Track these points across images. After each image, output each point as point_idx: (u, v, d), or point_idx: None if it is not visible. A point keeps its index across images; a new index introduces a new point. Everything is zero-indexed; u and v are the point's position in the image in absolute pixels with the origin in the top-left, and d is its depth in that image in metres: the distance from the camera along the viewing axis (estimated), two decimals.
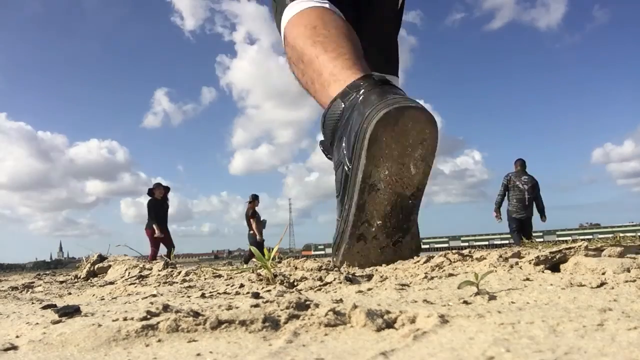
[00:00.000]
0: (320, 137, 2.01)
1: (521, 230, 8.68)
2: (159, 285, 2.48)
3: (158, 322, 1.04)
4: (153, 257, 10.31)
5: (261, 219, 12.15)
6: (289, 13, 2.05)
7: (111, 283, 3.11)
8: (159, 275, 3.17)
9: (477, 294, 1.39)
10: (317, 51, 1.71)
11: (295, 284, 2.17)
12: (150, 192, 10.56)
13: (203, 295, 1.86)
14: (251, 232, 10.89)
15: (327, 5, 1.95)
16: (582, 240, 2.41)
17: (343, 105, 1.62)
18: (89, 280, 3.89)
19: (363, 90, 1.55)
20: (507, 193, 8.66)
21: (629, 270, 1.58)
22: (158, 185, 10.72)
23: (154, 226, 10.33)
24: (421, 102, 1.65)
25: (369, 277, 2.32)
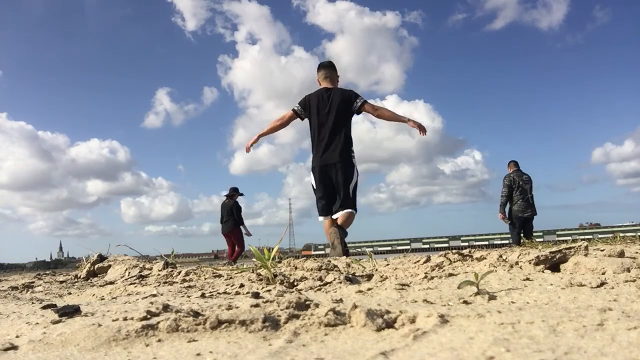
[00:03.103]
0: None
1: (523, 228, 8.71)
2: (159, 285, 2.48)
3: (158, 322, 1.04)
4: (238, 255, 10.29)
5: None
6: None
7: (111, 283, 3.11)
8: (159, 275, 3.17)
9: (477, 294, 1.39)
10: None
11: (295, 283, 2.18)
12: (231, 196, 10.71)
13: (203, 295, 1.86)
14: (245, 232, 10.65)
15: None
16: (582, 240, 2.41)
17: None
18: (89, 280, 3.89)
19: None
20: (511, 194, 8.70)
21: (629, 270, 1.58)
22: (236, 190, 10.92)
23: (242, 227, 10.44)
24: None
25: (369, 277, 2.33)
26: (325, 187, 4.51)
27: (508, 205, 8.94)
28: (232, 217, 10.44)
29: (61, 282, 3.72)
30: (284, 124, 4.84)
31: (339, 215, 4.42)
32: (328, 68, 4.76)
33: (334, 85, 4.72)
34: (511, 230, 9.01)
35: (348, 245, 4.38)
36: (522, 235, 8.73)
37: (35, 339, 1.03)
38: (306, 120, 4.80)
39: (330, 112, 4.48)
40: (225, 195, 10.90)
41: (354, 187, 4.52)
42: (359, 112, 4.58)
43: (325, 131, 4.47)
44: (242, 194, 11.09)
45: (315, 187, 4.60)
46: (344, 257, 3.68)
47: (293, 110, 4.72)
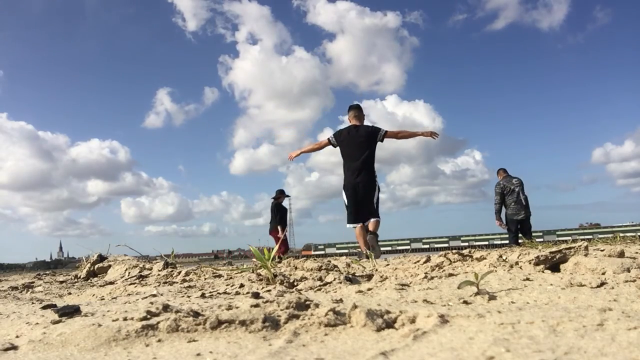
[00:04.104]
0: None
1: (520, 230, 8.81)
2: (159, 285, 2.49)
3: (158, 322, 1.04)
4: (278, 254, 10.28)
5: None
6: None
7: (111, 283, 3.12)
8: (159, 275, 3.17)
9: (477, 294, 1.39)
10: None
11: (295, 284, 2.18)
12: (277, 198, 10.81)
13: (203, 295, 1.86)
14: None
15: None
16: (582, 240, 2.41)
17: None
18: (89, 280, 3.89)
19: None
20: (503, 200, 8.85)
21: (629, 270, 1.58)
22: (282, 192, 10.97)
23: (279, 227, 10.47)
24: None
25: (369, 277, 2.33)
26: (355, 202, 5.64)
27: (504, 210, 9.07)
28: (275, 218, 10.57)
29: (61, 282, 3.72)
30: (319, 148, 6.18)
31: (370, 222, 5.55)
32: (357, 109, 5.93)
33: (360, 122, 5.85)
34: (509, 233, 9.10)
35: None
36: (520, 236, 8.79)
37: (35, 339, 1.03)
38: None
39: (358, 144, 5.65)
40: (272, 198, 10.96)
41: (377, 200, 5.68)
42: (382, 140, 5.74)
43: (354, 159, 5.65)
44: (288, 196, 11.06)
45: (347, 202, 5.73)
46: (344, 257, 4.33)
47: (328, 139, 5.90)
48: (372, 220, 5.53)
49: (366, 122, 5.91)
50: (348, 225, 5.73)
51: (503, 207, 8.98)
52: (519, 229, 8.91)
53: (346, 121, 6.02)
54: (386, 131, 5.67)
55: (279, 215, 10.63)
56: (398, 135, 5.81)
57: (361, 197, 5.57)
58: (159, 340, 0.96)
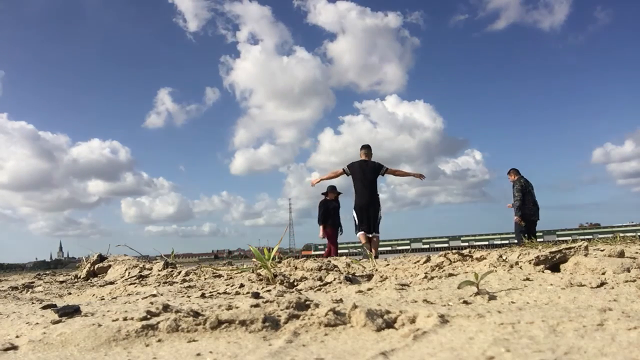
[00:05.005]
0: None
1: (528, 230, 8.89)
2: (159, 285, 2.49)
3: (158, 322, 1.04)
4: (329, 253, 10.10)
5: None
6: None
7: (111, 283, 3.12)
8: (159, 275, 3.17)
9: (477, 294, 1.39)
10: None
11: (295, 284, 2.18)
12: (325, 194, 10.70)
13: (203, 295, 1.86)
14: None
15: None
16: (582, 240, 2.41)
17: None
18: (89, 280, 3.89)
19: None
20: (524, 197, 8.88)
21: (629, 270, 1.58)
22: (333, 188, 10.81)
23: (321, 226, 10.28)
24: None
25: (369, 277, 2.33)
26: (363, 218, 7.40)
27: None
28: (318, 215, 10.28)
29: (61, 282, 3.72)
30: (335, 176, 7.82)
31: (373, 242, 7.29)
32: (367, 148, 7.69)
33: (369, 158, 7.61)
34: (517, 233, 9.15)
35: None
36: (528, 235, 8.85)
37: (35, 339, 1.03)
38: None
39: (366, 175, 7.46)
40: (323, 194, 10.67)
41: (379, 218, 7.55)
42: (383, 175, 7.56)
43: (364, 186, 7.40)
44: (339, 193, 10.65)
45: (357, 218, 7.50)
46: (344, 257, 4.64)
47: (343, 169, 7.61)
48: (375, 240, 7.28)
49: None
50: (357, 234, 7.46)
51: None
52: (528, 230, 9.02)
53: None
54: (387, 168, 7.56)
55: (319, 211, 10.31)
56: (395, 172, 7.77)
57: (368, 215, 7.34)
58: (159, 340, 0.96)
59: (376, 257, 6.25)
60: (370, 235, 7.28)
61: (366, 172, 7.46)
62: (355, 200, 7.51)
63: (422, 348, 0.80)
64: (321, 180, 7.97)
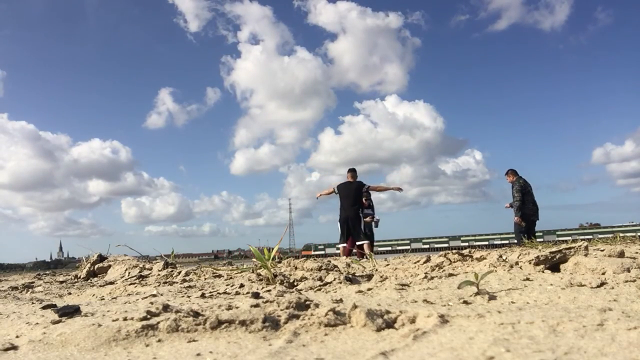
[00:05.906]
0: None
1: (528, 231, 8.91)
2: (159, 285, 2.49)
3: (158, 322, 1.04)
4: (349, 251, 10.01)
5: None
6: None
7: (111, 283, 3.12)
8: (159, 275, 3.17)
9: (477, 294, 1.39)
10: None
11: (295, 284, 2.18)
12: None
13: (203, 295, 1.86)
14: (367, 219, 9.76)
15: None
16: (582, 240, 2.42)
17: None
18: (89, 280, 3.89)
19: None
20: (524, 198, 8.92)
21: (629, 270, 1.58)
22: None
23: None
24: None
25: (369, 277, 2.33)
26: (345, 231, 8.73)
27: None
28: None
29: (61, 282, 3.72)
30: (329, 193, 9.12)
31: (365, 245, 8.53)
32: (353, 171, 8.94)
33: (354, 179, 8.89)
34: (517, 233, 9.18)
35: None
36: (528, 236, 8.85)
37: (35, 339, 1.03)
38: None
39: (350, 194, 8.74)
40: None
41: (363, 227, 8.84)
42: (366, 191, 9.00)
43: (348, 203, 8.72)
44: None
45: (340, 230, 8.87)
46: (344, 257, 4.56)
47: (334, 189, 8.91)
48: (366, 245, 8.48)
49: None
50: (338, 245, 8.96)
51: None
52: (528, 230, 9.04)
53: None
54: (369, 186, 8.96)
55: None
56: (376, 189, 9.13)
57: (348, 227, 8.64)
58: (159, 340, 0.96)
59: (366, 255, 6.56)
60: (359, 244, 8.44)
61: (349, 191, 8.84)
62: (340, 214, 8.89)
63: (422, 348, 0.80)
64: (321, 195, 9.60)
